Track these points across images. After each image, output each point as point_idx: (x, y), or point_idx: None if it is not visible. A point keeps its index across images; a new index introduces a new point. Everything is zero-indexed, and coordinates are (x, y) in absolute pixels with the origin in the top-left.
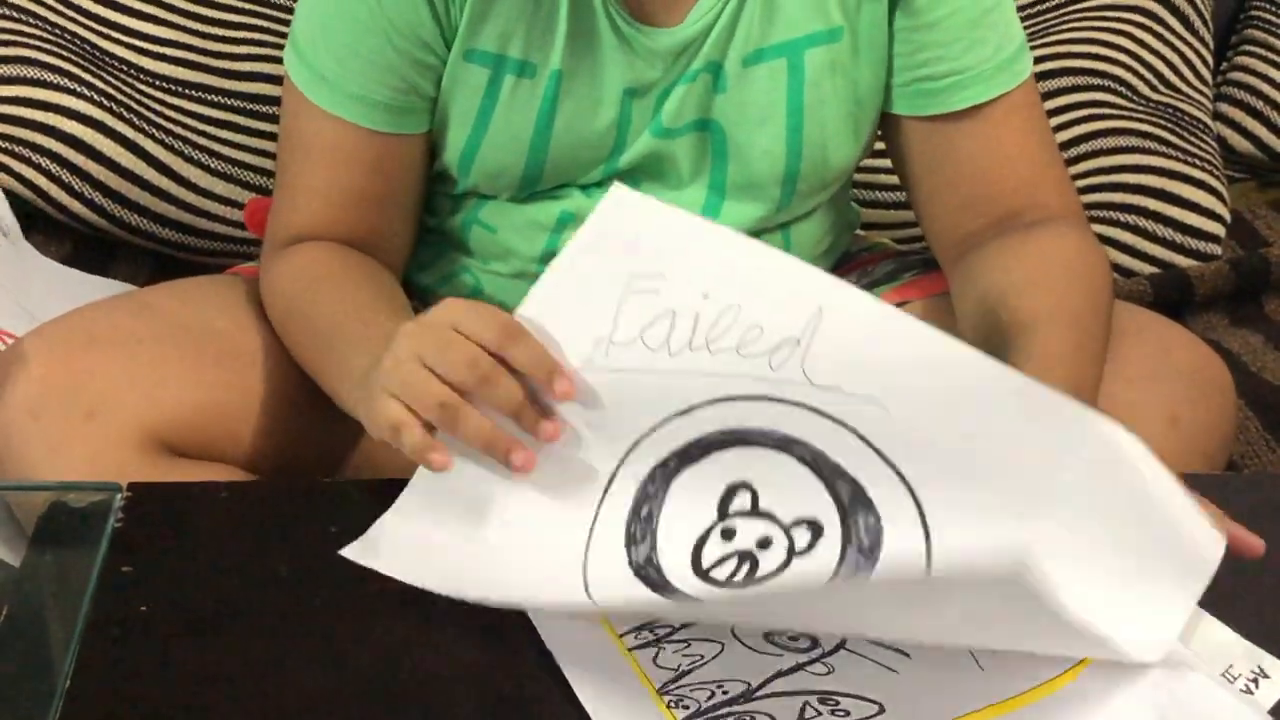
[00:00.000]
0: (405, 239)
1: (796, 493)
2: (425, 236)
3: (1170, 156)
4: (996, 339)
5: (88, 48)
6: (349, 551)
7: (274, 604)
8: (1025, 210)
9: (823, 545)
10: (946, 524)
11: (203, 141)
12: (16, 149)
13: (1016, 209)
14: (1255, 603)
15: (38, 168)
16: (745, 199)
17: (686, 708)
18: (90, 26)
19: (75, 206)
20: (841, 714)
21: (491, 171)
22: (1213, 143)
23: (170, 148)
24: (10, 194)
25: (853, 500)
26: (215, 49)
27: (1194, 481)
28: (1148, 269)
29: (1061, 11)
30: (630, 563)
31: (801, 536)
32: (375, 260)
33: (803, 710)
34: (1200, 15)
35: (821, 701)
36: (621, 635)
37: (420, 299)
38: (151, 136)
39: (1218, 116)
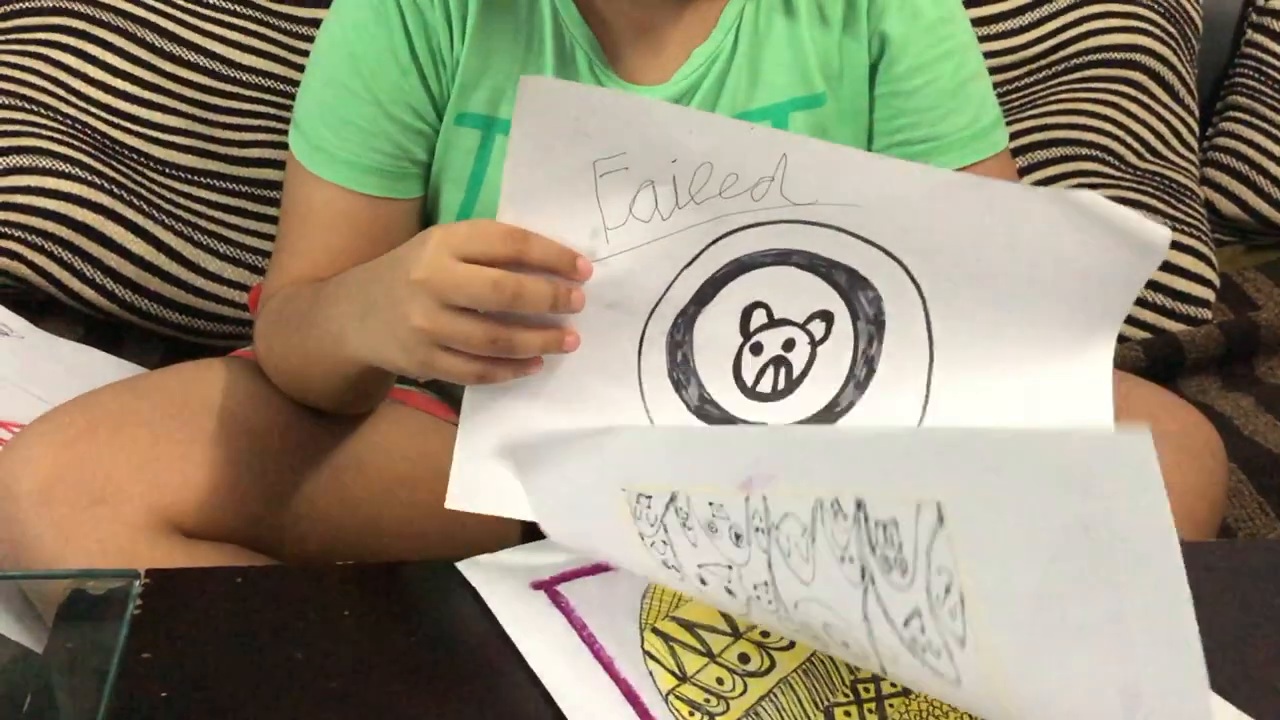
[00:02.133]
0: None
1: (803, 293)
2: None
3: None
4: None
5: (98, 137)
6: (453, 503)
7: (291, 688)
8: None
9: (837, 328)
10: (936, 295)
11: (211, 227)
12: (30, 237)
13: None
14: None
15: (50, 255)
16: None
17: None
18: (101, 116)
19: (87, 293)
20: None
21: None
22: (1200, 209)
23: (180, 233)
24: (23, 281)
25: (850, 282)
26: (224, 136)
27: (1191, 551)
28: (1139, 334)
29: (1048, 84)
30: (687, 406)
31: (817, 328)
32: None
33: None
34: (1185, 84)
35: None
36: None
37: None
38: (161, 223)
39: (1205, 181)
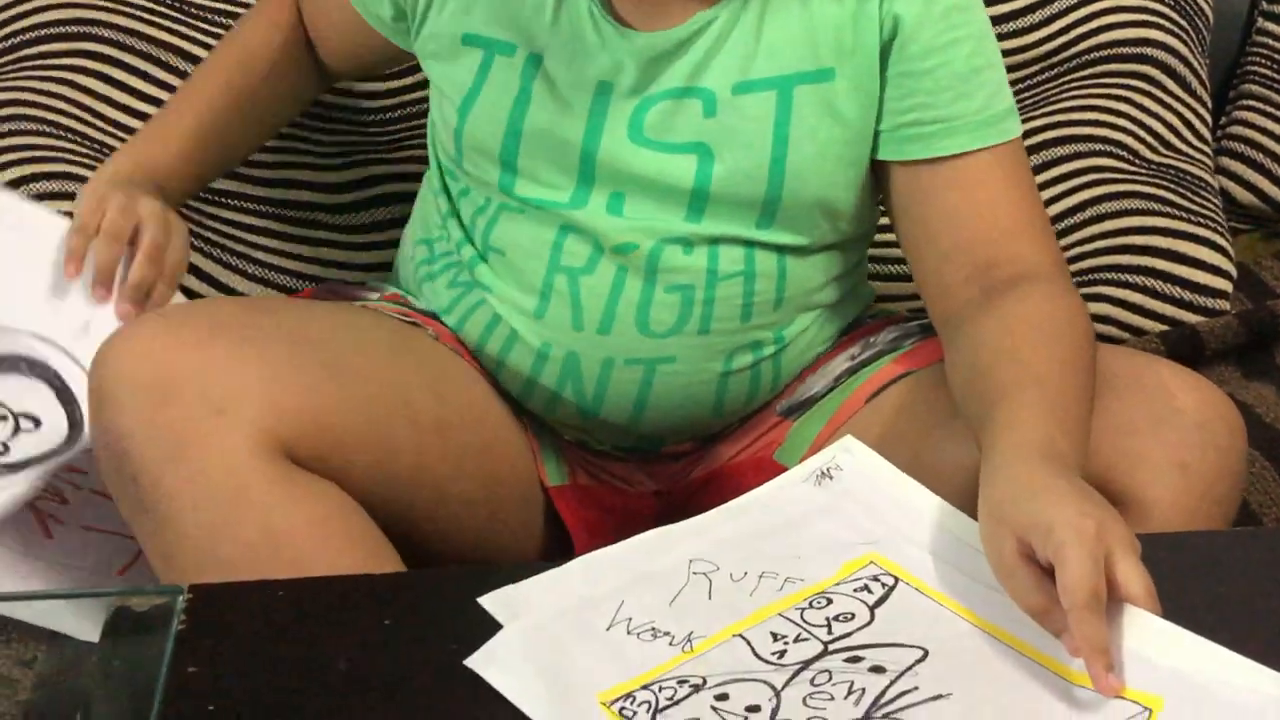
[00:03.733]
0: (332, 71)
1: None
2: (445, 276)
3: (1175, 216)
4: (977, 416)
5: None
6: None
7: (335, 697)
8: (1001, 262)
9: None
10: None
11: (239, 248)
12: None
13: (992, 259)
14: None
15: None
16: (723, 218)
17: None
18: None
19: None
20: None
21: (477, 146)
22: (1215, 200)
23: (209, 254)
24: None
25: None
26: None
27: (1217, 540)
28: (1158, 327)
29: (1060, 81)
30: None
31: None
32: (293, 61)
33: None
34: (1197, 75)
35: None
36: None
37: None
38: (190, 245)
39: (1219, 170)
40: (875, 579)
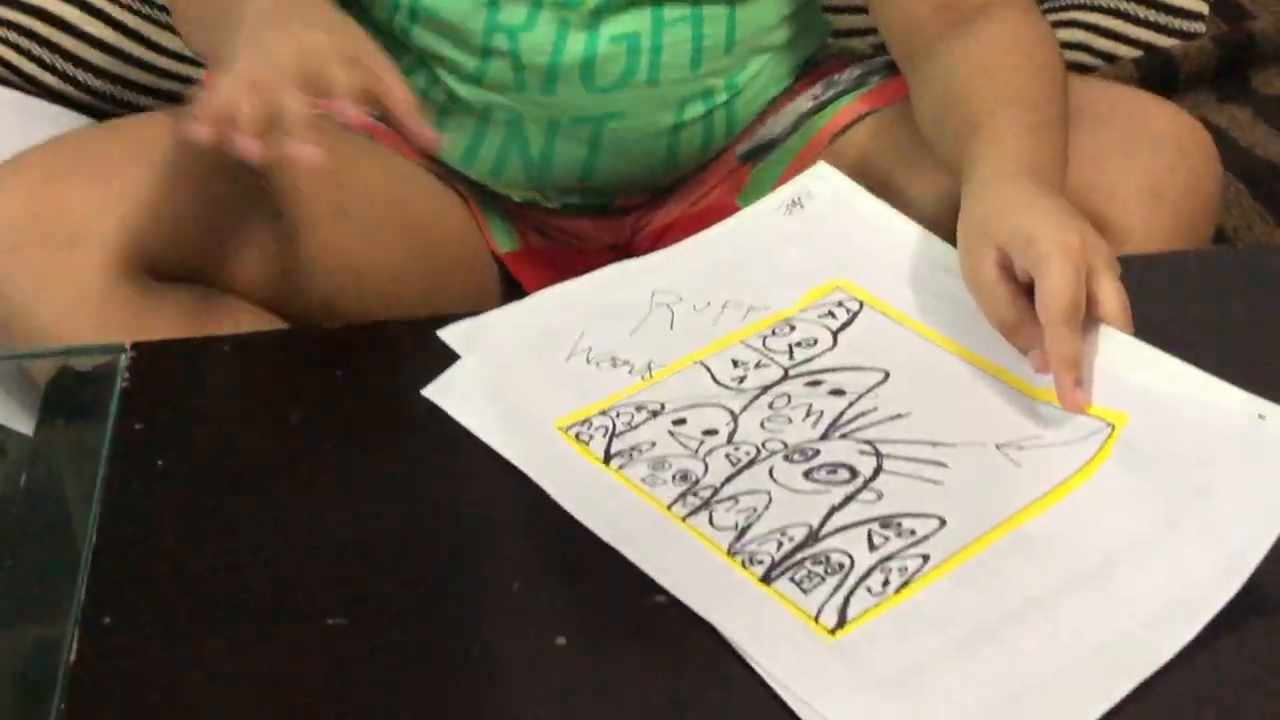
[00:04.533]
0: None
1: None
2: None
3: None
4: (955, 142)
5: None
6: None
7: (288, 451)
8: None
9: None
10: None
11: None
12: None
13: None
14: None
15: (5, 42)
16: None
17: (761, 562)
18: None
19: (48, 79)
20: (908, 534)
21: None
22: None
23: (138, 11)
24: None
25: None
26: None
27: (1189, 260)
28: (1132, 52)
29: None
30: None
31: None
32: None
33: (870, 539)
34: None
35: (884, 526)
36: (670, 506)
37: None
38: (118, 2)
39: None
40: (840, 304)
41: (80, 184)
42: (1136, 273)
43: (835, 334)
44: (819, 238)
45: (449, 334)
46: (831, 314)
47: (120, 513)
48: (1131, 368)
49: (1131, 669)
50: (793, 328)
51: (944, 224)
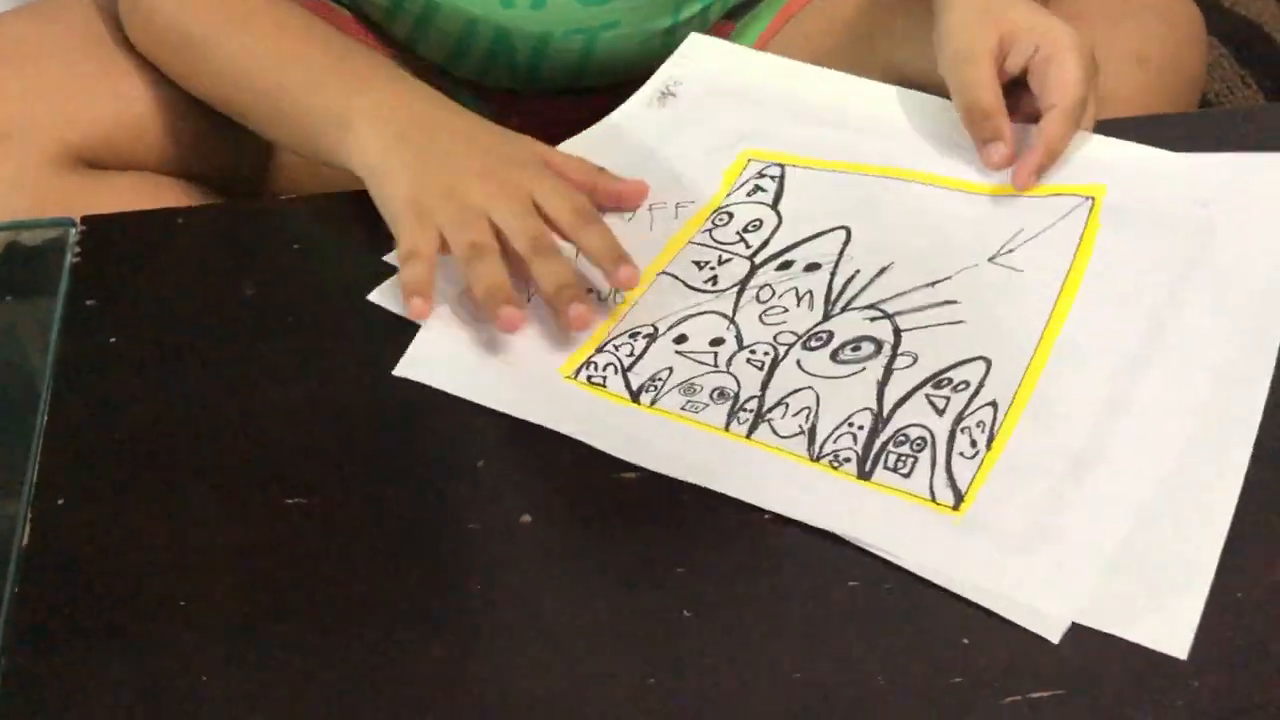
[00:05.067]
0: None
1: None
2: None
3: None
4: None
5: None
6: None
7: (244, 325)
8: None
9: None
10: None
11: None
12: None
13: None
14: None
15: None
16: None
17: (848, 460)
18: None
19: None
20: (963, 386)
21: None
22: None
23: None
24: None
25: None
26: None
27: (1168, 123)
28: None
29: None
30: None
31: None
32: None
33: (932, 404)
34: None
35: (937, 386)
36: (727, 428)
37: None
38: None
39: None
40: (761, 174)
41: (16, 73)
42: (1119, 135)
43: (774, 207)
44: (706, 118)
45: (379, 295)
46: (758, 188)
47: (73, 390)
48: (1106, 148)
49: (1238, 416)
50: (730, 215)
51: (938, 79)
